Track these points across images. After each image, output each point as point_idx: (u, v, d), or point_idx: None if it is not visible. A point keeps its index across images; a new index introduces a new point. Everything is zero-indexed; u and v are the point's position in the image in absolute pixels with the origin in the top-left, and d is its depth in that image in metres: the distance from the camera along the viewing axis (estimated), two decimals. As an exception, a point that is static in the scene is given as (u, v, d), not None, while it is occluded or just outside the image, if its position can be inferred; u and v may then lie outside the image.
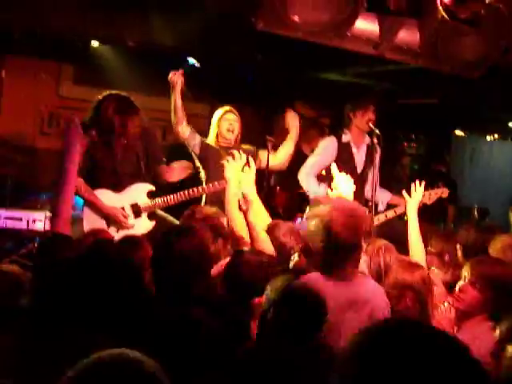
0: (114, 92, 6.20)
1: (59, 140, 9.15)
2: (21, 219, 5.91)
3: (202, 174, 6.76)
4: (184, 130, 6.77)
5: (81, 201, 8.16)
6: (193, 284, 3.20)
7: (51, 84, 9.12)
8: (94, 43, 7.84)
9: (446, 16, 5.17)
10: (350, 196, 4.20)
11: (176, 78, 6.75)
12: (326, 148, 6.72)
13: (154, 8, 6.93)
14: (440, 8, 5.14)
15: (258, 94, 9.31)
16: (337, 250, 3.34)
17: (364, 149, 6.71)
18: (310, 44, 6.20)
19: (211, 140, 6.89)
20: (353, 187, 4.26)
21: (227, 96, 9.75)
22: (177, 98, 6.72)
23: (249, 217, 4.13)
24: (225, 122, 6.87)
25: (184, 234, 3.30)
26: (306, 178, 6.60)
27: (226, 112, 6.97)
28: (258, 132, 8.04)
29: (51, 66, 9.07)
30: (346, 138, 6.69)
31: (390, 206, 6.62)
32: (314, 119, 9.79)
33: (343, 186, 4.22)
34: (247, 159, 4.58)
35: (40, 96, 8.91)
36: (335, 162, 6.08)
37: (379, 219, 6.20)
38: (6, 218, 5.82)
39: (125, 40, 7.47)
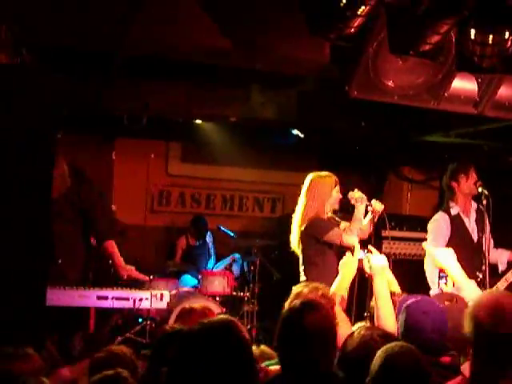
0: None
1: (168, 217, 9.45)
2: (128, 299, 6.00)
3: None
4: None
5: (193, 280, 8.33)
6: (320, 360, 3.11)
7: (160, 163, 9.38)
8: (199, 121, 8.04)
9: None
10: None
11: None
12: (438, 228, 6.27)
13: (255, 83, 7.06)
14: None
15: (364, 161, 9.24)
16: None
17: (474, 216, 6.36)
18: (412, 108, 6.13)
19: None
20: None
21: (334, 164, 9.75)
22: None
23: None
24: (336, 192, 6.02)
25: (310, 309, 3.23)
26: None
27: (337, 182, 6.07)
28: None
29: (159, 146, 9.35)
30: (454, 210, 6.29)
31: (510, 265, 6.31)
32: (424, 182, 9.60)
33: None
34: None
35: (149, 175, 9.17)
36: (450, 237, 5.87)
37: (498, 287, 5.87)
38: (114, 297, 5.92)
39: (227, 116, 7.60)
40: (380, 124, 7.66)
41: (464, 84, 5.23)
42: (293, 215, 6.06)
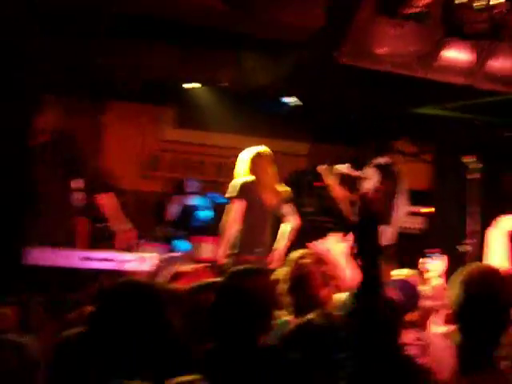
0: None
1: (160, 182, 9.42)
2: (113, 260, 5.96)
3: None
4: None
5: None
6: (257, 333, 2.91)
7: (152, 128, 9.33)
8: (191, 85, 7.97)
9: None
10: None
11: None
12: None
13: (247, 49, 7.00)
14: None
15: (356, 132, 9.17)
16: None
17: None
18: (406, 79, 6.07)
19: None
20: None
21: (326, 135, 9.71)
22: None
23: None
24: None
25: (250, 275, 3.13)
26: None
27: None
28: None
29: (152, 110, 9.29)
30: None
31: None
32: (416, 154, 9.55)
33: None
34: None
35: (142, 140, 9.12)
36: None
37: None
38: (98, 259, 5.89)
39: (219, 81, 7.54)
40: (372, 95, 7.59)
41: (456, 54, 5.17)
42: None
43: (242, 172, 6.41)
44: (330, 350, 2.70)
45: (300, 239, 6.28)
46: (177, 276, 4.39)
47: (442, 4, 3.89)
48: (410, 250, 7.52)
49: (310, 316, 2.94)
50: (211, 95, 8.40)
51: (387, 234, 6.44)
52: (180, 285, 3.77)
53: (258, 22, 5.50)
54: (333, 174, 6.74)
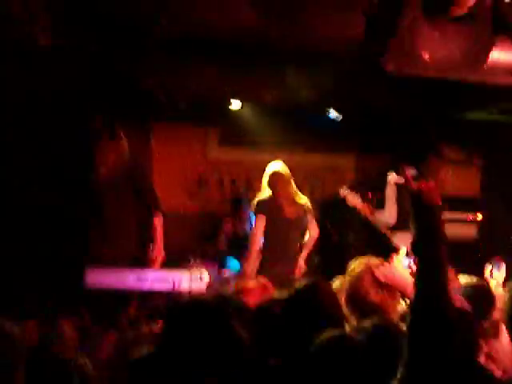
0: None
1: (207, 202, 9.45)
2: (167, 280, 6.00)
3: None
4: None
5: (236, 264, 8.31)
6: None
7: (198, 148, 9.39)
8: (235, 104, 7.99)
9: None
10: None
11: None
12: None
13: (290, 64, 6.99)
14: None
15: (403, 142, 9.10)
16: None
17: None
18: (450, 83, 6.00)
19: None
20: None
21: (373, 146, 9.64)
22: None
23: None
24: None
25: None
26: None
27: None
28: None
29: (197, 130, 9.35)
30: None
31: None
32: (465, 161, 9.44)
33: None
34: None
35: (188, 160, 9.17)
36: None
37: None
38: (154, 280, 5.94)
39: (263, 98, 7.55)
40: (419, 102, 7.54)
41: (503, 54, 5.09)
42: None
43: (262, 187, 6.92)
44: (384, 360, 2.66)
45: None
46: (241, 291, 4.38)
47: (490, 4, 3.83)
48: (461, 258, 7.42)
49: (366, 324, 2.89)
50: (255, 113, 8.42)
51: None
52: (246, 300, 3.76)
53: (297, 35, 5.49)
54: (355, 194, 7.51)
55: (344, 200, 8.37)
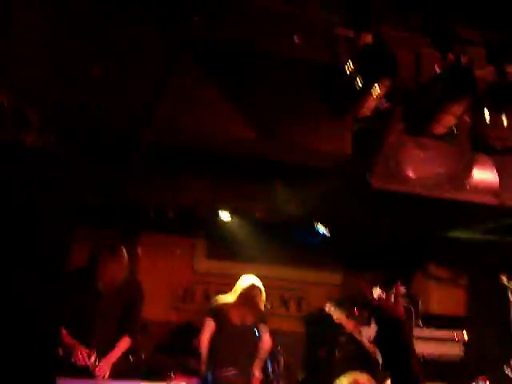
0: None
1: (193, 314, 9.36)
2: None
3: None
4: None
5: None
6: None
7: (184, 259, 9.39)
8: (224, 216, 8.05)
9: None
10: None
11: None
12: None
13: (279, 178, 7.11)
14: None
15: (388, 259, 9.14)
16: None
17: None
18: (436, 202, 6.11)
19: None
20: None
21: (359, 263, 9.67)
22: None
23: None
24: None
25: None
26: None
27: None
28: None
29: (185, 242, 9.38)
30: None
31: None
32: (449, 279, 9.45)
33: None
34: None
35: (175, 271, 9.15)
36: None
37: None
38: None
39: (252, 211, 7.63)
40: (404, 220, 7.64)
41: (484, 175, 5.23)
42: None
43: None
44: None
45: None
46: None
47: (470, 122, 3.97)
48: (448, 377, 7.33)
49: None
50: (243, 226, 8.48)
51: None
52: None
53: (287, 149, 5.62)
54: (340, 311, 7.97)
55: (329, 315, 8.52)
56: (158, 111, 4.80)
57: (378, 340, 2.75)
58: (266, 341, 7.60)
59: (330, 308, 7.98)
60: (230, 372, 7.24)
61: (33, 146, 4.28)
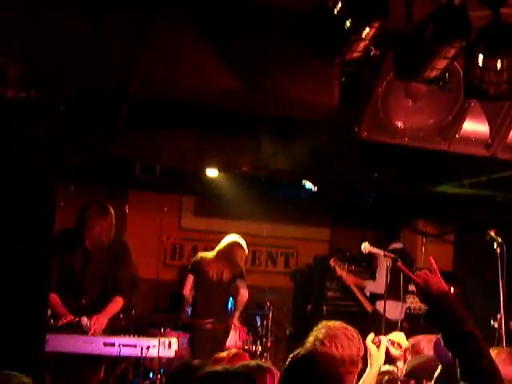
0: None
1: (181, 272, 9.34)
2: (135, 346, 5.88)
3: None
4: None
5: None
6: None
7: (172, 216, 9.34)
8: (210, 172, 7.96)
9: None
10: None
11: None
12: None
13: (266, 133, 7.02)
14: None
15: (377, 215, 9.11)
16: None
17: None
18: (424, 156, 6.05)
19: None
20: None
21: (347, 219, 9.66)
22: None
23: None
24: None
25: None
26: None
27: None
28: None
29: (172, 199, 9.32)
30: None
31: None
32: (438, 236, 9.47)
33: None
34: None
35: (162, 229, 9.11)
36: None
37: None
38: (120, 344, 5.81)
39: (238, 165, 7.54)
40: (393, 174, 7.58)
41: (475, 126, 5.16)
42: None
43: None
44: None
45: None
46: (215, 362, 4.31)
47: (462, 66, 3.88)
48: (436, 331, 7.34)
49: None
50: (230, 182, 8.41)
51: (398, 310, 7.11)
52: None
53: (273, 101, 5.51)
54: (342, 265, 8.37)
55: (318, 270, 8.64)
56: (138, 63, 4.68)
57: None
58: (243, 295, 7.96)
59: (334, 262, 8.39)
60: (209, 321, 7.63)
61: (13, 99, 4.19)
